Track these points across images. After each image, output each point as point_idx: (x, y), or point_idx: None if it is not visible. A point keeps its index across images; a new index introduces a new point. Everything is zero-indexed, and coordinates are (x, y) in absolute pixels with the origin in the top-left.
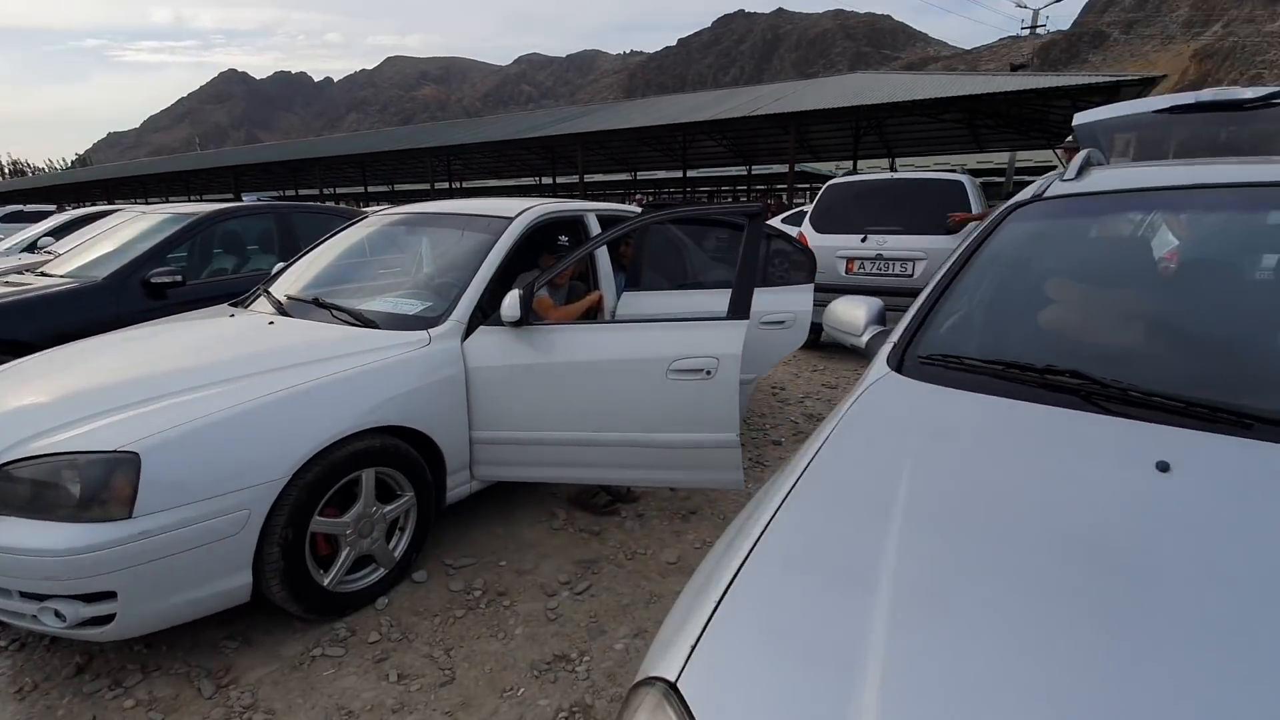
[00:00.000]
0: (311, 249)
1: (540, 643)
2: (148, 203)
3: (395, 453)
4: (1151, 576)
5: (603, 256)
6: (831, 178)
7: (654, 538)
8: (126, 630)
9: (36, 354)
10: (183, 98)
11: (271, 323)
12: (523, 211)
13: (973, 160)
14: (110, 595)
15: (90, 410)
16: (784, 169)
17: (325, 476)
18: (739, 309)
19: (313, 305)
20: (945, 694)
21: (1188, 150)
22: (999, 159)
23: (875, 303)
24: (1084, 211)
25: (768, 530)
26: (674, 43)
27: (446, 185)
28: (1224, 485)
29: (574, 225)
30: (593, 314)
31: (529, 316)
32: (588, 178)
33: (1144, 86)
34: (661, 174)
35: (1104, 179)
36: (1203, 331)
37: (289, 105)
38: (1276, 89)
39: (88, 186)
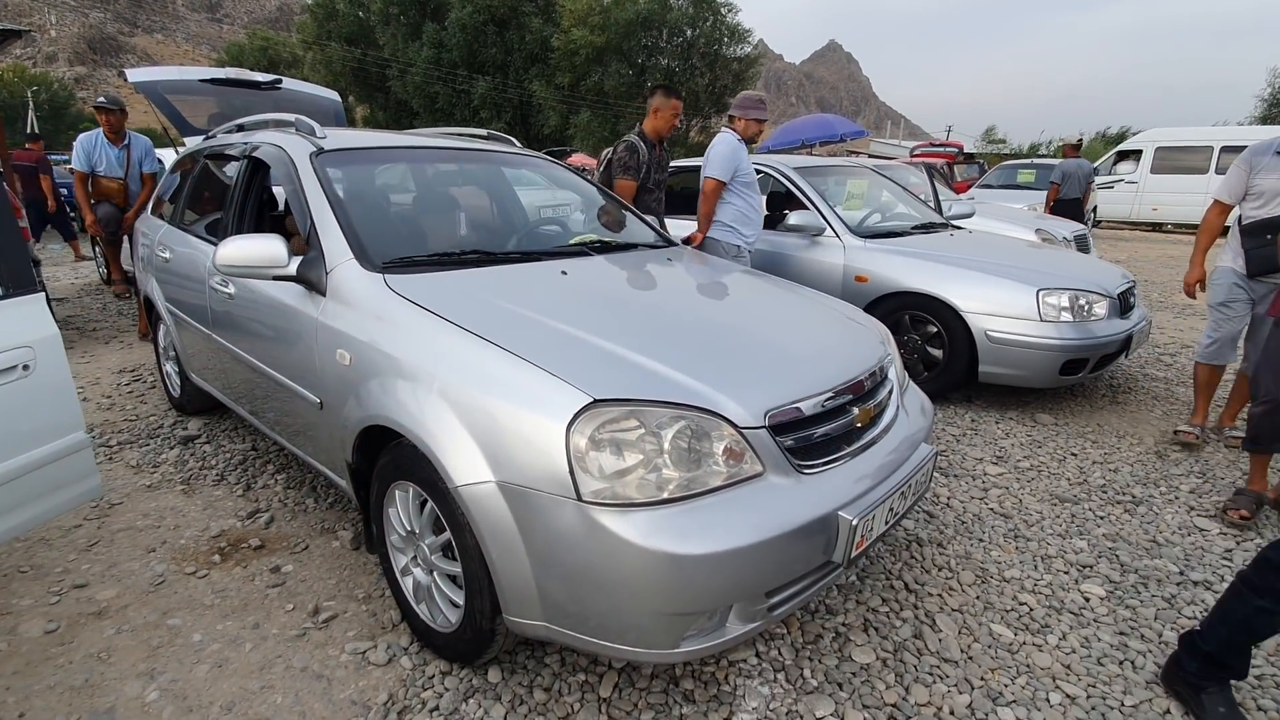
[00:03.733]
0: None
1: None
2: None
3: None
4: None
5: None
6: None
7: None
8: None
9: None
10: None
11: None
12: None
13: None
14: None
15: None
16: None
17: None
18: (20, 279)
19: None
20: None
21: (226, 112)
22: None
23: (278, 237)
24: (364, 160)
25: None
26: None
27: None
28: (587, 273)
29: None
30: None
31: None
32: None
33: (8, 37)
34: None
35: (341, 139)
36: (489, 222)
37: None
38: (276, 76)
39: None
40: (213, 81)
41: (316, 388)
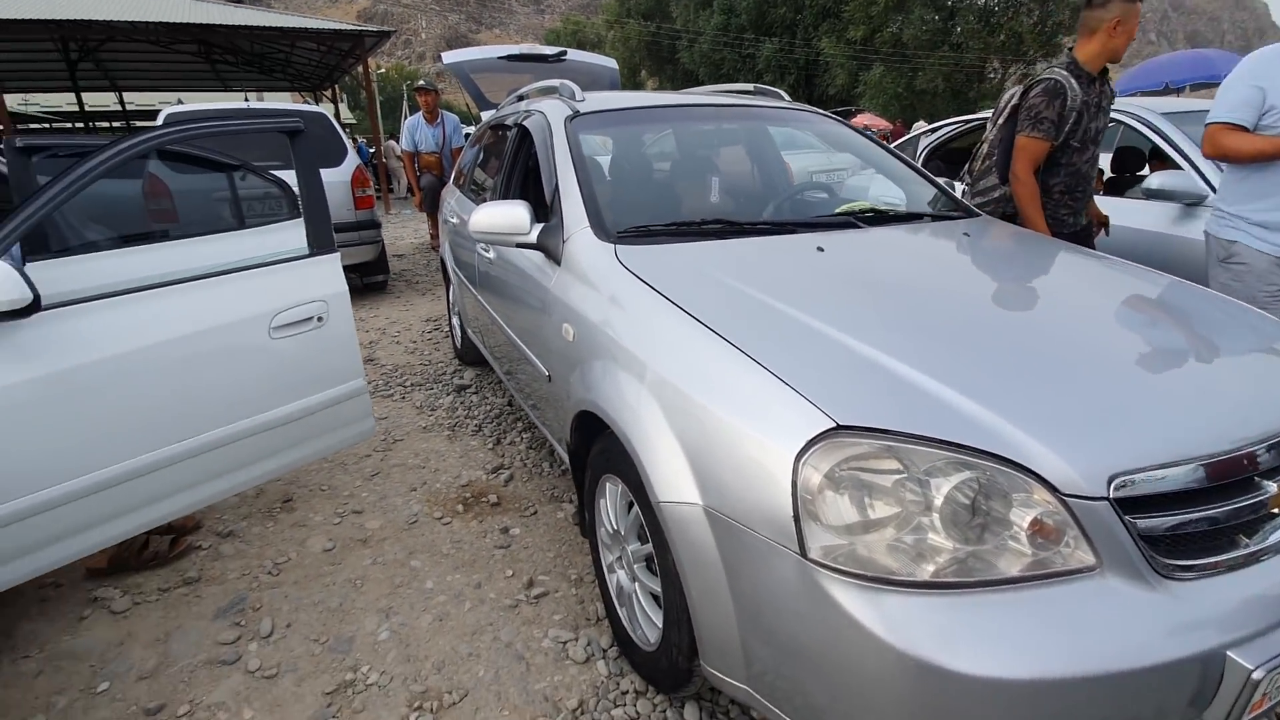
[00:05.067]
0: None
1: (293, 699)
2: None
3: None
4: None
5: None
6: (39, 121)
7: (273, 543)
8: None
9: None
10: None
11: None
12: None
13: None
14: None
15: None
16: None
17: None
18: (322, 241)
19: None
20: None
21: (517, 87)
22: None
23: (523, 203)
24: (617, 121)
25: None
26: None
27: None
28: (851, 251)
29: None
30: None
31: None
32: None
33: (381, 38)
34: None
35: (597, 101)
36: (745, 187)
37: None
38: (562, 49)
39: None
40: (509, 58)
41: (546, 360)
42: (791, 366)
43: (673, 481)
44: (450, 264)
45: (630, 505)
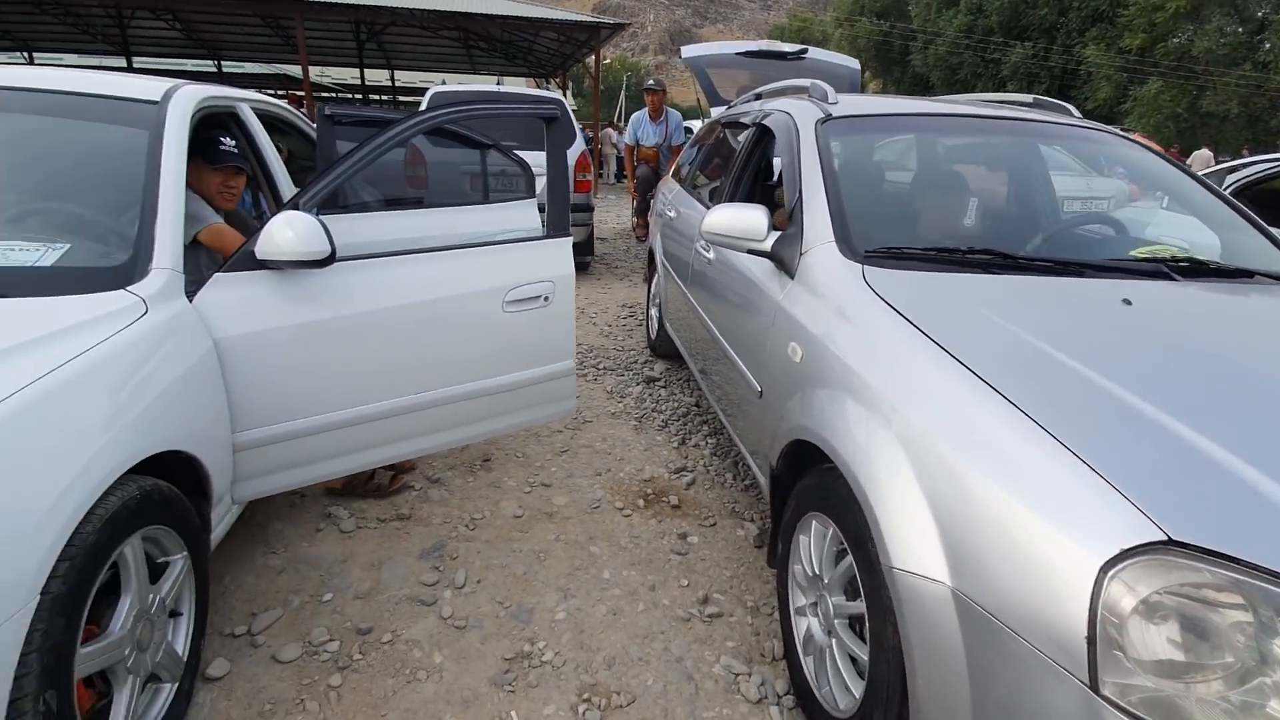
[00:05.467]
0: None
1: (477, 656)
2: None
3: (157, 499)
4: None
5: (278, 162)
6: (329, 91)
7: (471, 498)
8: None
9: None
10: None
11: None
12: (172, 93)
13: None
14: None
15: None
16: (264, 70)
17: (80, 576)
18: (560, 224)
19: None
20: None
21: (752, 84)
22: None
23: (763, 208)
24: (876, 129)
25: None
26: None
27: None
28: (1167, 308)
29: (232, 122)
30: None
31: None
32: None
33: (615, 30)
34: (74, 60)
35: (855, 105)
36: (1014, 214)
37: None
38: (803, 46)
39: None
40: (746, 54)
41: (760, 374)
42: (1101, 448)
43: (913, 548)
44: (659, 255)
45: (841, 554)
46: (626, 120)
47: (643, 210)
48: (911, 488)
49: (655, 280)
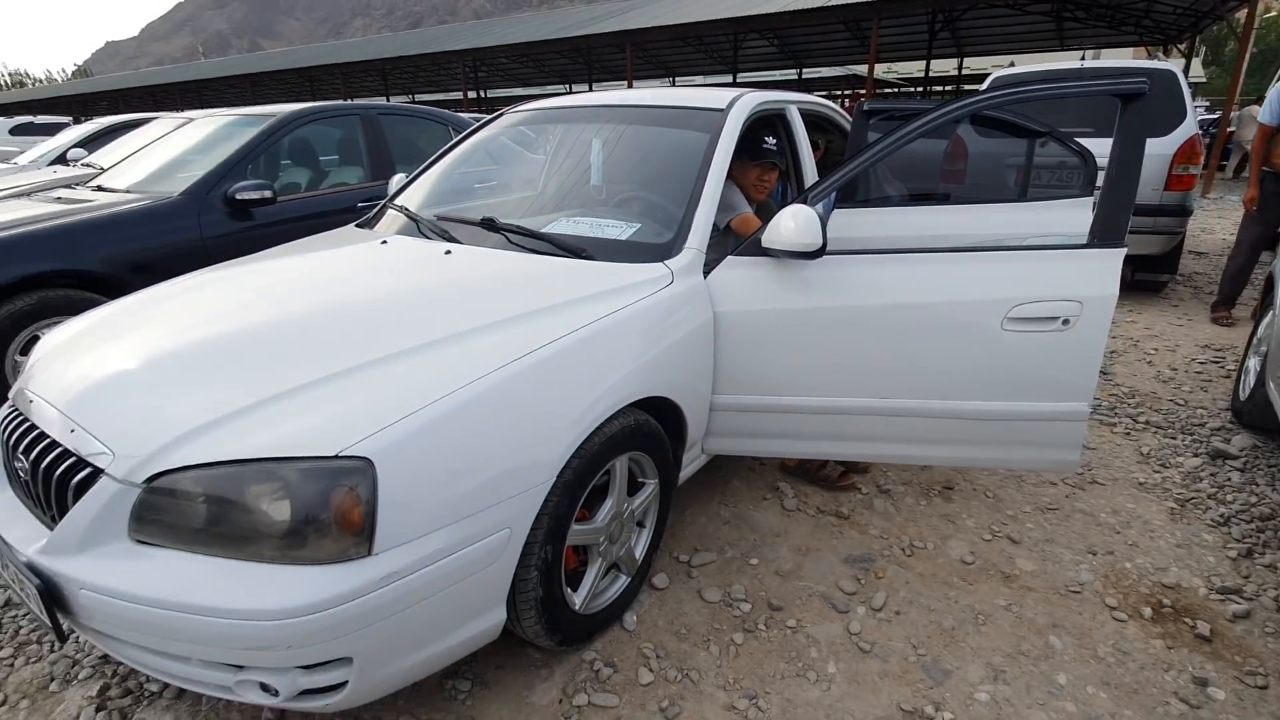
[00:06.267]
0: (442, 155)
1: (871, 689)
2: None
3: (646, 432)
4: None
5: (809, 158)
6: (892, 87)
7: (919, 523)
8: (361, 697)
9: (125, 300)
10: (180, 2)
11: (448, 252)
12: (735, 101)
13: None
14: (343, 661)
15: (259, 390)
16: (837, 73)
17: (583, 472)
18: (1111, 230)
19: (481, 228)
20: None
21: None
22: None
23: None
24: None
25: None
26: None
27: (475, 94)
28: None
29: (779, 122)
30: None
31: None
32: (609, 86)
33: None
34: (699, 79)
35: None
36: None
37: (291, 10)
38: None
39: (94, 98)
40: None
41: None
42: None
43: None
44: None
45: None
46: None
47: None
48: None
49: (1268, 321)
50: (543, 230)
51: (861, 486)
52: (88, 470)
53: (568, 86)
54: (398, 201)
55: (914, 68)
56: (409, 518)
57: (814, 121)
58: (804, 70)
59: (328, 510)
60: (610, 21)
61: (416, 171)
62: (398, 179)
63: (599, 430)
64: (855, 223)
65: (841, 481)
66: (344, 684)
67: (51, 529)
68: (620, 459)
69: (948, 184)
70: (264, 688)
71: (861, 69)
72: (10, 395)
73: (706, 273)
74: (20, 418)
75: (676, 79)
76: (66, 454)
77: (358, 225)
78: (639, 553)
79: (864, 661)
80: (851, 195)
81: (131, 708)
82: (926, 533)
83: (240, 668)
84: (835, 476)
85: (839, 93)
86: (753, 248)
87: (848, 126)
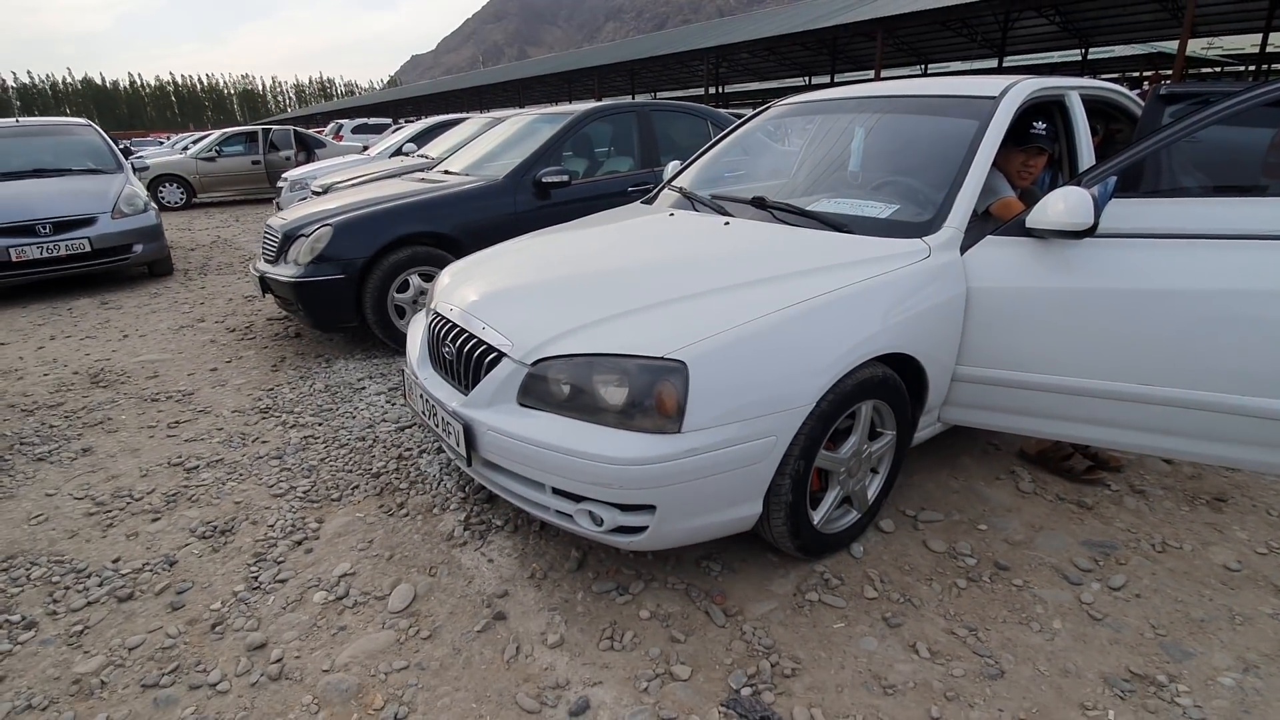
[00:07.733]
0: (716, 143)
1: (1098, 649)
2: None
3: (889, 385)
4: None
5: (1088, 147)
6: (1213, 66)
7: (1178, 527)
8: (653, 543)
9: (484, 251)
10: (468, 18)
11: (727, 223)
12: (1009, 89)
13: None
14: (648, 508)
15: (606, 311)
16: (1136, 51)
17: (836, 405)
18: None
19: (751, 205)
20: None
21: None
22: None
23: None
24: None
25: None
26: None
27: (715, 89)
28: None
29: (1055, 109)
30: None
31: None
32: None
33: None
34: (957, 66)
35: None
36: None
37: (554, 19)
38: None
39: (401, 104)
40: None
41: None
42: None
43: None
44: None
45: None
46: None
47: None
48: None
49: None
50: (808, 208)
51: (1111, 483)
52: (495, 355)
53: (807, 79)
54: (674, 183)
55: (1246, 41)
56: (709, 410)
57: (1096, 108)
58: (1090, 50)
59: (652, 396)
60: (863, 9)
61: (690, 160)
62: (672, 165)
63: (851, 374)
64: (1136, 213)
65: (1088, 475)
66: (644, 528)
67: (464, 394)
68: (865, 404)
69: (1271, 178)
70: (592, 517)
71: (1171, 45)
72: (430, 306)
73: (963, 251)
74: (443, 321)
75: (929, 66)
76: (480, 343)
77: (642, 203)
78: (871, 494)
79: (1093, 627)
80: (1136, 184)
81: (485, 531)
82: (1184, 534)
83: (580, 500)
84: (1082, 470)
85: (1136, 74)
86: (1015, 228)
87: (1139, 111)
